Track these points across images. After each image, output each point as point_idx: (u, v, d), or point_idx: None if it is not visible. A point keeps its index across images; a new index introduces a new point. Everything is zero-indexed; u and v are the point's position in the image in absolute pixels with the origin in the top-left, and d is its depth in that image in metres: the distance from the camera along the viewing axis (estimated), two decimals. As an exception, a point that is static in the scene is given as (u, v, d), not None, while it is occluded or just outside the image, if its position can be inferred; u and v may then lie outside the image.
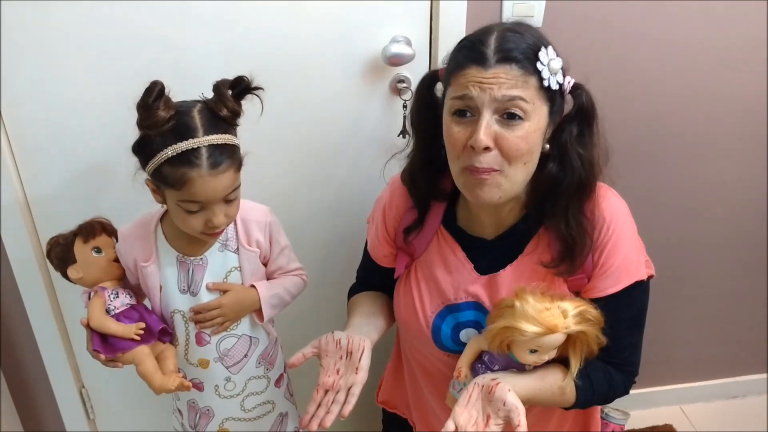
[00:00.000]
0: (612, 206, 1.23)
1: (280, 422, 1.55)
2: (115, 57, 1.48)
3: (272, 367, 1.49)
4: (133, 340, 1.31)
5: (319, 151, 1.67)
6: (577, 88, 1.17)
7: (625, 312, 1.24)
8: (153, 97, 1.17)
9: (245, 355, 1.42)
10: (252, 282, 1.38)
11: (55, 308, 1.74)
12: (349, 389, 1.18)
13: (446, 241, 1.31)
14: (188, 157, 1.17)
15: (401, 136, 1.64)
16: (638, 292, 1.25)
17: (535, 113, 1.11)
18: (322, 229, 1.77)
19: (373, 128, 1.66)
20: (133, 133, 1.45)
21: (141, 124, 1.19)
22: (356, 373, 1.19)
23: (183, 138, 1.18)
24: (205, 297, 1.36)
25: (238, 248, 1.36)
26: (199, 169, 1.18)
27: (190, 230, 1.27)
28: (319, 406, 1.18)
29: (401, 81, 1.60)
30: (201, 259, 1.35)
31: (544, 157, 1.18)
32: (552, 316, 1.11)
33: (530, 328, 1.10)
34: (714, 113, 1.80)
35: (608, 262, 1.21)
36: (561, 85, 1.13)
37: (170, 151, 1.17)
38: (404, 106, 1.61)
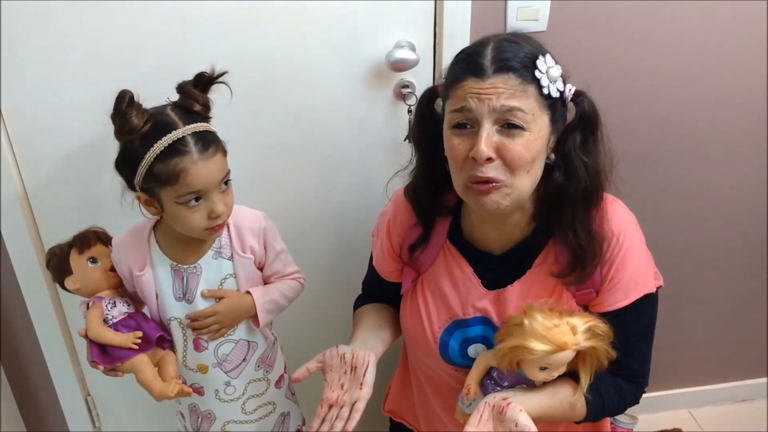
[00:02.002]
0: (620, 220, 1.22)
1: (282, 422, 1.55)
2: (117, 62, 1.48)
3: (272, 369, 1.49)
4: (131, 349, 1.31)
5: (323, 156, 1.67)
6: (578, 96, 1.15)
7: (634, 325, 1.23)
8: (125, 104, 1.19)
9: (243, 359, 1.42)
10: (247, 288, 1.38)
11: (60, 315, 1.74)
12: (353, 405, 1.17)
13: (453, 256, 1.30)
14: (176, 147, 1.19)
15: (407, 140, 1.63)
16: (647, 304, 1.24)
17: (536, 123, 1.10)
18: (326, 233, 1.77)
19: (377, 133, 1.66)
20: None
21: (119, 132, 1.21)
22: (360, 389, 1.18)
23: (165, 133, 1.19)
24: (201, 304, 1.35)
25: (232, 255, 1.36)
26: (190, 156, 1.19)
27: (194, 230, 1.26)
28: (323, 421, 1.17)
29: (405, 86, 1.59)
30: (195, 267, 1.35)
31: (549, 167, 1.17)
32: (561, 333, 1.10)
33: (540, 346, 1.09)
34: (717, 118, 1.79)
35: (617, 277, 1.20)
36: (561, 93, 1.12)
37: (158, 147, 1.18)
38: (409, 111, 1.60)
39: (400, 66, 1.53)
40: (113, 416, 1.93)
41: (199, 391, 1.43)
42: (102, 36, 1.46)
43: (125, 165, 1.24)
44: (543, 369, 1.14)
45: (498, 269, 1.26)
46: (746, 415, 2.22)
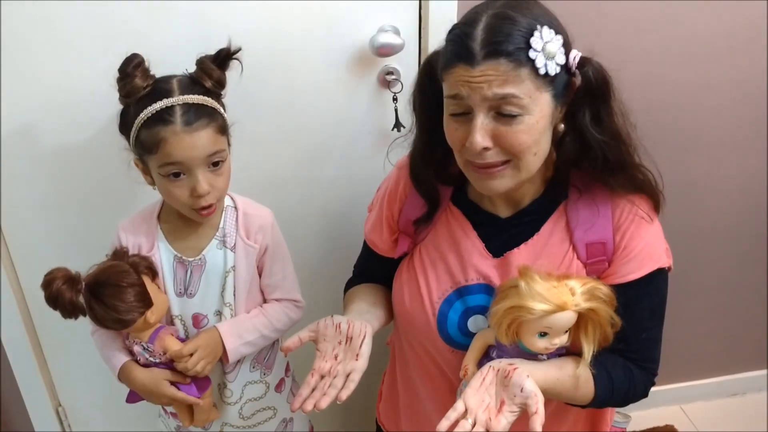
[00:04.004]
0: None
1: (284, 427, 1.52)
2: (87, 52, 1.43)
3: (270, 372, 1.45)
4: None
5: (306, 148, 1.63)
6: (584, 65, 1.07)
7: (646, 301, 1.19)
8: (131, 66, 1.19)
9: (237, 360, 1.38)
10: (247, 288, 1.35)
11: (27, 321, 1.68)
12: (347, 376, 1.12)
13: (456, 219, 1.25)
14: (162, 116, 1.17)
15: (395, 129, 1.58)
16: (660, 281, 1.20)
17: (535, 104, 1.04)
18: (310, 229, 1.72)
19: (361, 123, 1.61)
20: (105, 129, 1.44)
21: (120, 93, 1.21)
22: (356, 360, 1.13)
23: (158, 100, 1.18)
24: (201, 298, 1.33)
25: (235, 244, 1.32)
26: (173, 126, 1.17)
27: (179, 204, 1.23)
28: (314, 390, 1.12)
29: (390, 73, 1.55)
30: (199, 259, 1.32)
31: (561, 135, 1.12)
32: (560, 292, 1.06)
33: (538, 305, 1.05)
34: (714, 104, 1.77)
35: (631, 245, 1.16)
36: (564, 65, 1.06)
37: (145, 114, 1.17)
38: (394, 99, 1.56)
39: (385, 51, 1.49)
40: (85, 427, 1.88)
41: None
42: (72, 26, 1.40)
43: (123, 128, 1.23)
44: (543, 336, 1.10)
45: (504, 234, 1.22)
46: (738, 410, 2.22)
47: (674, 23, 1.64)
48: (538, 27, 1.02)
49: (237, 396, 1.41)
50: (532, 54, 1.01)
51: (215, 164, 1.21)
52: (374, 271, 1.40)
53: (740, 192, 1.92)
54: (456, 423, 1.03)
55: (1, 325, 1.65)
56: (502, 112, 1.03)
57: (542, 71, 1.02)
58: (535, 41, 1.01)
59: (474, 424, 1.03)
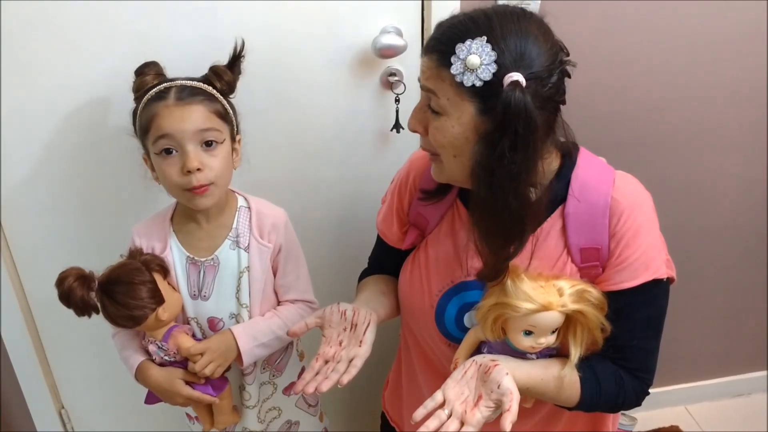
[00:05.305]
0: (635, 194, 1.17)
1: (288, 427, 1.52)
2: (87, 52, 1.42)
3: (280, 374, 1.45)
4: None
5: (307, 150, 1.62)
6: (511, 91, 0.98)
7: (641, 312, 1.17)
8: (148, 67, 1.26)
9: (254, 363, 1.39)
10: (262, 288, 1.35)
11: (30, 324, 1.67)
12: (350, 361, 1.14)
13: (461, 217, 1.25)
14: (158, 95, 1.22)
15: (394, 130, 1.58)
16: (657, 292, 1.18)
17: (455, 109, 1.04)
18: (312, 230, 1.70)
19: (363, 124, 1.61)
20: (106, 131, 1.45)
21: (133, 90, 1.26)
22: (359, 346, 1.15)
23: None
24: (216, 301, 1.33)
25: (249, 245, 1.32)
26: (166, 101, 1.20)
27: (172, 186, 1.24)
28: (317, 374, 1.13)
29: (392, 74, 1.54)
30: (212, 259, 1.32)
31: None
32: (547, 293, 1.07)
33: (522, 304, 1.06)
34: (714, 105, 1.76)
35: (625, 253, 1.14)
36: (492, 83, 1.00)
37: (145, 99, 1.22)
38: (396, 100, 1.55)
39: (387, 53, 1.48)
40: (88, 429, 1.87)
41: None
42: (73, 26, 1.39)
43: (133, 125, 1.26)
44: (528, 334, 1.10)
45: None
46: (743, 410, 2.21)
47: (675, 23, 1.63)
48: (476, 38, 1.00)
49: (255, 399, 1.41)
50: (452, 59, 1.02)
51: (208, 144, 1.22)
52: (386, 262, 1.41)
53: (742, 192, 1.91)
54: (433, 413, 1.04)
55: (3, 328, 1.65)
56: (429, 104, 1.08)
57: (458, 79, 1.02)
58: (460, 48, 1.01)
59: (450, 416, 1.04)
